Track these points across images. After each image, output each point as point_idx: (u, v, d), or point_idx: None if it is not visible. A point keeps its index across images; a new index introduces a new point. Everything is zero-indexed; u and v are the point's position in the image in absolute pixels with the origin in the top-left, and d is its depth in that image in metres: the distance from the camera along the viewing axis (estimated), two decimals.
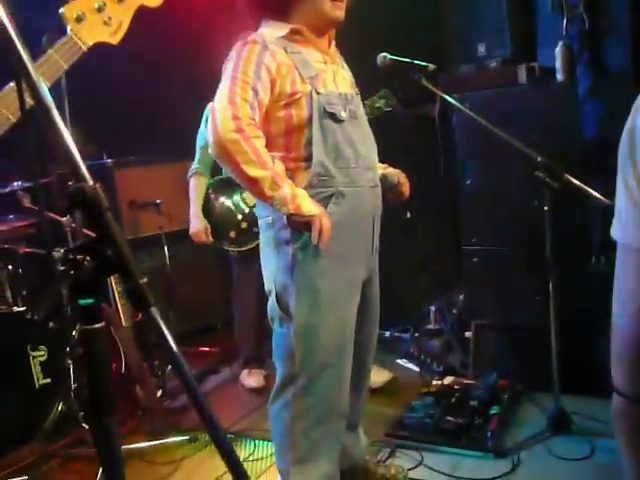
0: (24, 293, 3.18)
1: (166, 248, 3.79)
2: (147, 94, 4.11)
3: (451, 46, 3.82)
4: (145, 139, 4.14)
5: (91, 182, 0.66)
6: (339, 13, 1.98)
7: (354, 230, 2.00)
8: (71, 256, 0.64)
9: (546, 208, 2.54)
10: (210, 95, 1.90)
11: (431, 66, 2.51)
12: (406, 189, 2.28)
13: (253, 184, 1.82)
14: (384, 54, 2.71)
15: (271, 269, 2.02)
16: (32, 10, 2.73)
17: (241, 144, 1.77)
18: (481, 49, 3.62)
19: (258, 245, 2.11)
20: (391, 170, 2.30)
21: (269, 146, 1.90)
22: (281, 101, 1.90)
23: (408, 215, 2.77)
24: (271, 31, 1.97)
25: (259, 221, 2.05)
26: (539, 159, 2.47)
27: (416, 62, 2.57)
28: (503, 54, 3.46)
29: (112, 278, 2.99)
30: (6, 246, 3.17)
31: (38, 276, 3.21)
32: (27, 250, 3.21)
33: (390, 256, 2.46)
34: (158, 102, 4.16)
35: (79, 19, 1.30)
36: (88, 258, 0.66)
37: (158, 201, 3.88)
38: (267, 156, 1.83)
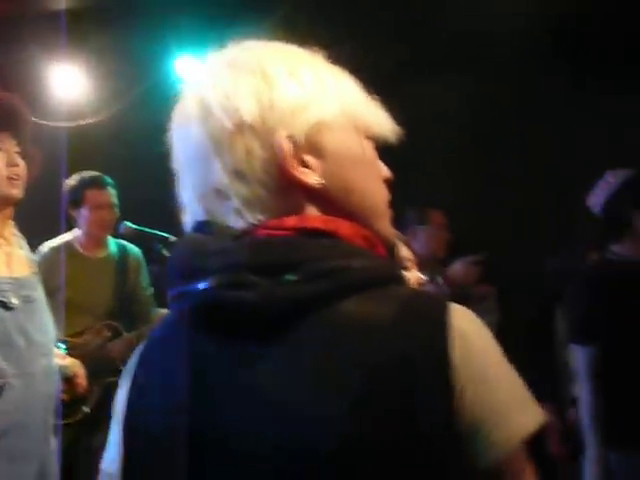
0: None
1: None
2: None
3: None
4: None
5: None
6: (15, 192, 1.87)
7: (24, 424, 1.80)
8: None
9: None
10: None
11: (171, 237, 2.61)
12: (82, 382, 2.27)
13: None
14: (127, 223, 2.79)
15: None
16: None
17: None
18: None
19: None
20: (68, 362, 2.23)
21: None
22: None
23: (85, 409, 2.60)
24: None
25: None
26: None
27: (158, 233, 2.66)
28: None
29: None
30: None
31: None
32: None
33: None
34: None
35: None
36: None
37: None
38: None
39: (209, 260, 0.71)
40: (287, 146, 0.72)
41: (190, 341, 0.75)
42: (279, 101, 0.73)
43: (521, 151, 3.43)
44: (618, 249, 2.21)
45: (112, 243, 2.96)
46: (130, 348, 2.70)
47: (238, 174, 0.72)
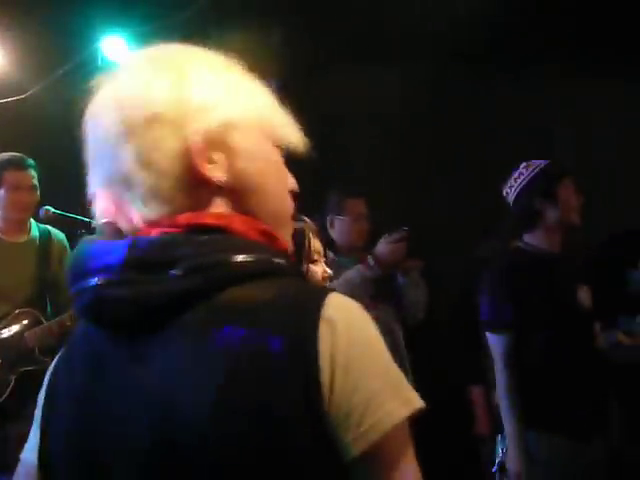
0: None
1: None
2: None
3: None
4: None
5: None
6: None
7: None
8: None
9: None
10: None
11: (94, 222, 2.55)
12: None
13: None
14: (47, 207, 2.70)
15: None
16: None
17: None
18: None
19: None
20: None
21: None
22: None
23: None
24: None
25: None
26: None
27: (79, 217, 2.59)
28: None
29: None
30: None
31: None
32: None
33: None
34: None
35: None
36: None
37: None
38: None
39: (96, 260, 0.73)
40: (197, 140, 0.74)
41: (84, 340, 0.79)
42: (193, 97, 0.76)
43: (454, 138, 3.50)
44: (529, 239, 2.30)
45: (35, 227, 2.86)
46: (49, 336, 2.63)
47: (145, 163, 0.74)
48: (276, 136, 0.82)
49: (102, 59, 3.93)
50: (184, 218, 0.73)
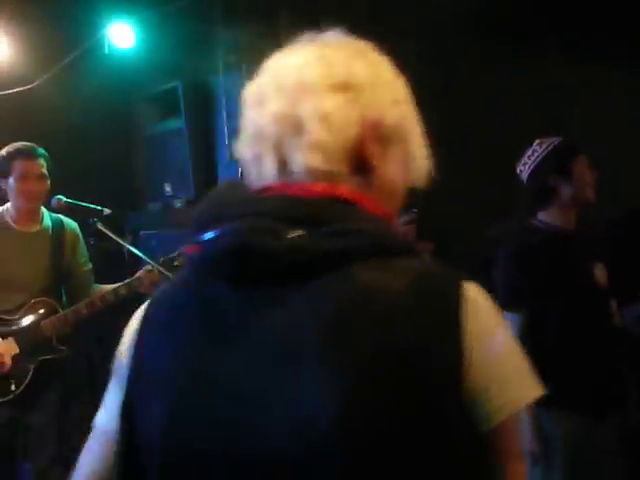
0: None
1: None
2: None
3: (140, 185, 3.94)
4: None
5: None
6: None
7: None
8: None
9: None
10: None
11: (106, 210, 2.56)
12: (6, 360, 2.40)
13: None
14: (59, 196, 2.70)
15: None
16: None
17: None
18: (167, 189, 3.83)
19: None
20: None
21: None
22: None
23: (13, 388, 2.59)
24: None
25: None
26: None
27: (92, 206, 2.59)
28: (187, 195, 3.71)
29: None
30: None
31: None
32: None
33: None
34: None
35: None
36: None
37: None
38: None
39: (236, 208, 0.75)
40: (371, 126, 0.80)
41: (188, 295, 0.78)
42: (382, 89, 0.83)
43: (462, 115, 3.46)
44: (544, 217, 2.28)
45: (48, 217, 2.86)
46: (66, 325, 2.65)
47: (322, 117, 0.78)
48: (413, 153, 0.87)
49: (109, 46, 3.91)
50: (320, 187, 0.77)
